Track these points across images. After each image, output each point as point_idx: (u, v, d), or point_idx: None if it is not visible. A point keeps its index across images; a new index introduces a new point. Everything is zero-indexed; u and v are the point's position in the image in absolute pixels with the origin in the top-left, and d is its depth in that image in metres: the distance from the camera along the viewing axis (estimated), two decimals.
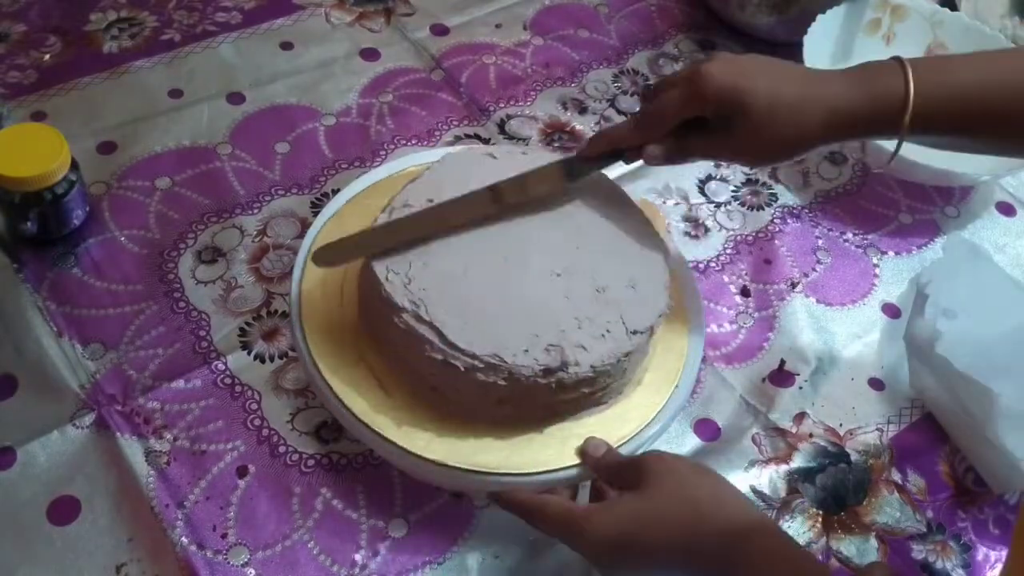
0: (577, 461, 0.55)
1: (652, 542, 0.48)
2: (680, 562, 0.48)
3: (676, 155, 0.58)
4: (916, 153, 0.74)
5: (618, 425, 0.57)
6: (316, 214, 0.72)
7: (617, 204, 0.62)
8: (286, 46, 0.87)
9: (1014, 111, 0.53)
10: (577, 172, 0.60)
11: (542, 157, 0.62)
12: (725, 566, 0.47)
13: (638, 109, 0.61)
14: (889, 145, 0.74)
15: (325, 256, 0.57)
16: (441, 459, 0.54)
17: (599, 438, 0.55)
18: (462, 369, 0.52)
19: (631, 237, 0.60)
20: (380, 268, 0.55)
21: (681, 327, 0.62)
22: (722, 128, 0.56)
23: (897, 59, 0.54)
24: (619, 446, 0.56)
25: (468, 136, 0.82)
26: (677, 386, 0.59)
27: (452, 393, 0.55)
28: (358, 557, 0.57)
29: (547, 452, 0.55)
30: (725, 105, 0.54)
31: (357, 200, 0.66)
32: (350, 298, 0.60)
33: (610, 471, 0.54)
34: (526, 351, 0.53)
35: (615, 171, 0.80)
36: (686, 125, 0.57)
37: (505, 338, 0.53)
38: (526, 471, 0.54)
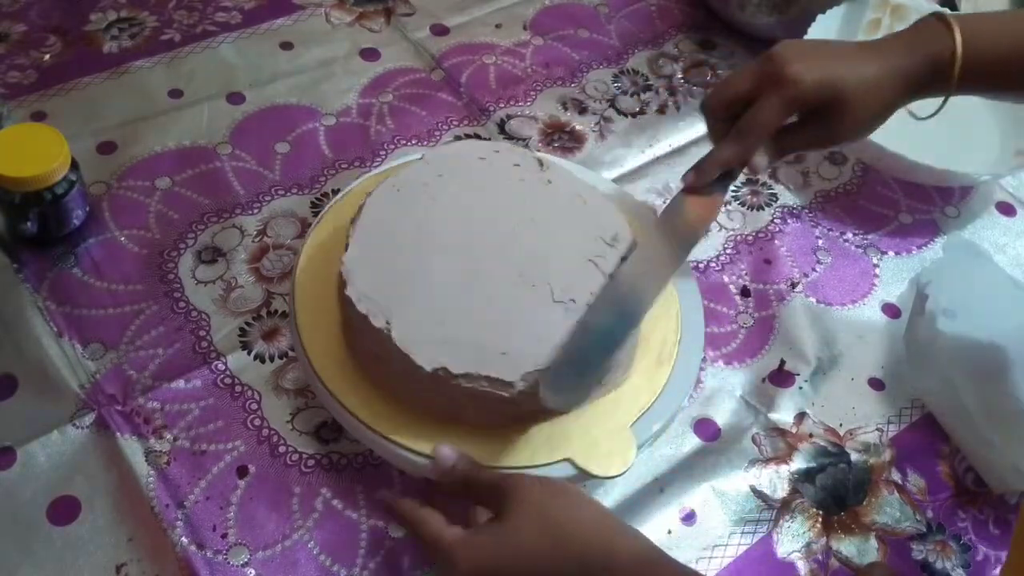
0: (577, 446, 0.55)
1: (516, 573, 0.47)
2: None
3: (777, 157, 0.60)
4: (916, 153, 0.75)
5: (610, 418, 0.57)
6: (316, 214, 0.72)
7: (590, 203, 0.63)
8: (286, 46, 0.87)
9: None
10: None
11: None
12: None
13: (707, 120, 0.61)
14: (887, 144, 0.74)
15: None
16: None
17: (449, 447, 0.52)
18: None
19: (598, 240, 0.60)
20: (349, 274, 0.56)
21: (678, 326, 0.62)
22: (815, 120, 0.58)
23: (941, 17, 0.57)
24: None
25: (468, 136, 0.82)
26: (667, 384, 0.59)
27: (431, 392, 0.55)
28: (358, 557, 0.57)
29: (543, 448, 0.55)
30: (823, 101, 0.56)
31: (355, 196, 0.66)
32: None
33: (465, 485, 0.51)
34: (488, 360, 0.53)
35: (616, 170, 0.80)
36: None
37: (471, 349, 0.53)
38: (522, 464, 0.54)
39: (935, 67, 0.56)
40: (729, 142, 0.59)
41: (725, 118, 0.59)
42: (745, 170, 0.59)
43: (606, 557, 0.46)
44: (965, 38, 0.56)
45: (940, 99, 0.59)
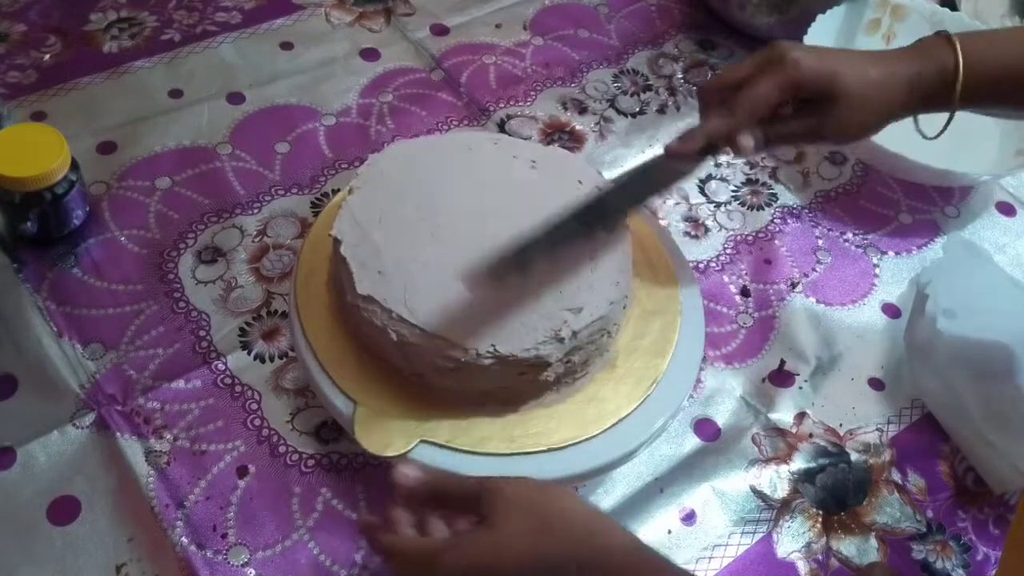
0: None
1: (508, 573, 0.46)
2: None
3: (765, 143, 0.58)
4: (916, 153, 0.75)
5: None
6: (316, 214, 0.72)
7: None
8: (286, 46, 0.87)
9: None
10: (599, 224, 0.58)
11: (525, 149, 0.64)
12: None
13: (700, 104, 0.60)
14: (887, 144, 0.74)
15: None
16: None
17: (407, 465, 0.49)
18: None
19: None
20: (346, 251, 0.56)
21: (678, 322, 0.62)
22: (809, 111, 0.57)
23: (945, 35, 0.57)
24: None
25: None
26: (656, 383, 0.58)
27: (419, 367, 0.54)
28: (358, 557, 0.57)
29: (366, 386, 0.55)
30: (820, 89, 0.56)
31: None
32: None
33: (438, 498, 0.49)
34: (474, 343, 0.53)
35: (616, 170, 0.80)
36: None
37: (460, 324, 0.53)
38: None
39: (941, 76, 0.56)
40: (719, 115, 0.58)
41: (718, 102, 0.58)
42: (731, 155, 0.59)
43: (601, 551, 0.46)
44: (966, 53, 0.56)
45: (945, 116, 0.59)
